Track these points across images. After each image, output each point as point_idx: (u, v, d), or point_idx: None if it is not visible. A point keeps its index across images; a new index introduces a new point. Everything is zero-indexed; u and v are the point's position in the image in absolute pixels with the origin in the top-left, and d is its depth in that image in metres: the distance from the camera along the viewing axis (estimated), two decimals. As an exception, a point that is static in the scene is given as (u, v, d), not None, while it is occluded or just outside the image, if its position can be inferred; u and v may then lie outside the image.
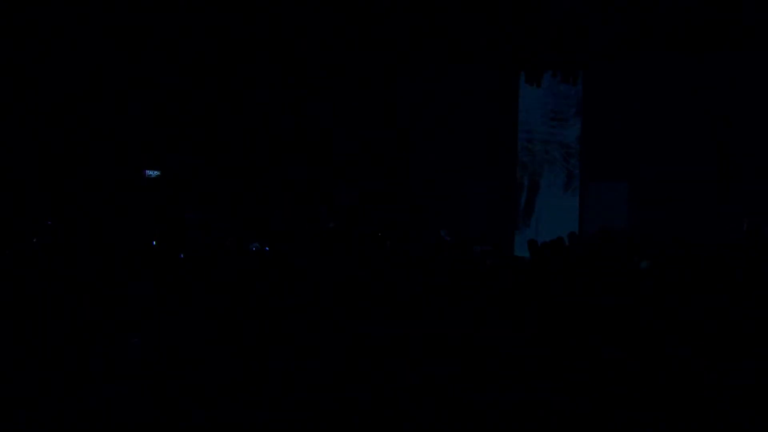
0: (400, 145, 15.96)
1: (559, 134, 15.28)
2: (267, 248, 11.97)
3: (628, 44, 13.92)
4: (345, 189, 15.91)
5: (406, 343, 7.48)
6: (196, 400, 6.10)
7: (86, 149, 15.29)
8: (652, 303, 7.69)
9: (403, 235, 13.75)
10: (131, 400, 6.09)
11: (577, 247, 11.22)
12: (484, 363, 6.95)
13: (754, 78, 13.45)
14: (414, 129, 15.95)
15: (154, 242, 12.23)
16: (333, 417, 5.73)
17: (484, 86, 15.45)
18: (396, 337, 7.62)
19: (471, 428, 5.58)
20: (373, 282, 8.72)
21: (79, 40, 14.62)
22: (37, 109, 14.88)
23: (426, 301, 8.22)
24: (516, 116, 15.51)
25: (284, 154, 16.51)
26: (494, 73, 15.39)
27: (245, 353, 7.55)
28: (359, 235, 13.17)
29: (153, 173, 15.94)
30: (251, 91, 16.27)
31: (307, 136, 16.38)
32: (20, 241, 11.07)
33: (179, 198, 15.76)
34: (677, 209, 13.57)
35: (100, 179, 15.19)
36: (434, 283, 8.57)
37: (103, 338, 7.82)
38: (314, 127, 16.35)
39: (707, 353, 7.02)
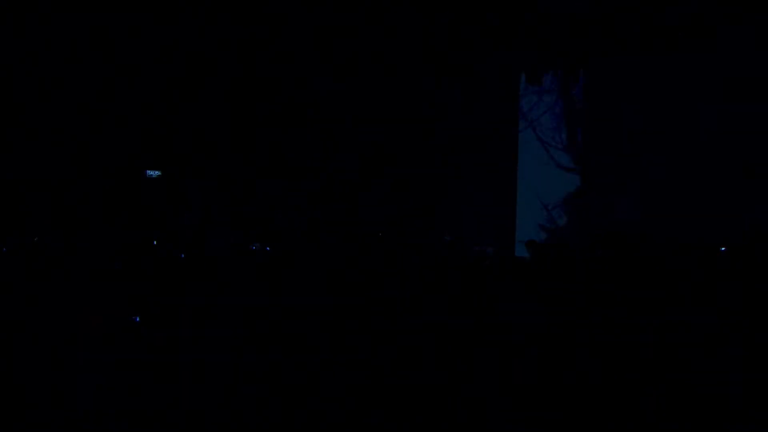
0: (399, 145, 15.95)
1: (559, 134, 15.28)
2: (267, 248, 11.96)
3: (628, 44, 13.92)
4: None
5: (405, 342, 7.48)
6: (195, 400, 6.10)
7: (86, 149, 15.30)
8: (652, 303, 7.67)
9: (403, 235, 13.76)
10: (129, 399, 6.09)
11: (578, 248, 11.22)
12: (482, 363, 6.95)
13: (755, 78, 13.46)
14: (414, 129, 15.94)
15: (155, 242, 12.22)
16: (332, 417, 5.74)
17: (484, 86, 15.45)
18: (394, 337, 7.62)
19: (469, 427, 5.58)
20: (371, 281, 8.71)
21: (78, 39, 14.63)
22: (36, 109, 14.89)
23: (424, 300, 8.21)
24: (516, 116, 15.52)
25: (285, 153, 16.51)
26: (494, 73, 15.39)
27: (244, 353, 7.55)
28: (359, 235, 13.17)
29: (153, 173, 15.93)
30: (252, 90, 16.27)
31: (306, 136, 16.38)
32: (20, 241, 11.07)
33: (179, 198, 15.76)
34: (679, 209, 13.55)
35: (100, 179, 15.19)
36: (433, 282, 8.56)
37: (101, 338, 7.82)
38: (314, 127, 16.35)
39: (707, 354, 7.01)
